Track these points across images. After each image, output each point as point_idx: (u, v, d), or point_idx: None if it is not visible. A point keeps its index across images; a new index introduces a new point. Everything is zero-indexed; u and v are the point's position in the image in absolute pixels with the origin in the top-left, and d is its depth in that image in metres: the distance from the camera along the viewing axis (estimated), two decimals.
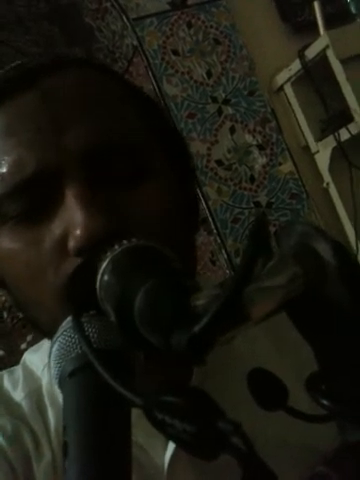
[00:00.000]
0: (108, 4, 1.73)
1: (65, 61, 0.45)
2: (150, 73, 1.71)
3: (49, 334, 0.42)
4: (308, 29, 1.79)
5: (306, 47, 1.71)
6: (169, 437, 0.27)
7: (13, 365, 0.52)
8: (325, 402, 0.27)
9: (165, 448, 0.43)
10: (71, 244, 0.38)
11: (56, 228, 0.39)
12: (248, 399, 0.30)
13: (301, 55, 1.71)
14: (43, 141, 0.39)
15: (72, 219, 0.38)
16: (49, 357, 0.34)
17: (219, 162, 1.74)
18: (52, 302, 0.39)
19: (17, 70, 0.43)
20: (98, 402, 0.31)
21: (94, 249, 0.36)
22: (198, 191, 1.71)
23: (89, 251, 0.36)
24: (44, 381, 0.48)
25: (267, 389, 0.30)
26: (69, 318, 0.34)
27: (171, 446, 0.43)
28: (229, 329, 0.24)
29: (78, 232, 0.37)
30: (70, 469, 0.29)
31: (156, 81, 1.70)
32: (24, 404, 0.46)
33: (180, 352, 0.24)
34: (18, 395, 0.47)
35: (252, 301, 0.23)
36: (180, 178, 0.45)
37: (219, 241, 1.71)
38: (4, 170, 0.40)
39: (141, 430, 0.32)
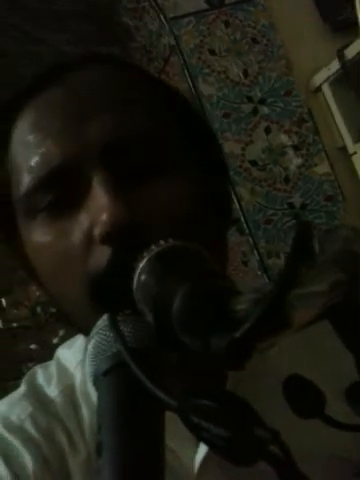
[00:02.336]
0: (146, 4, 1.73)
1: (90, 57, 0.47)
2: (186, 72, 1.70)
3: (81, 329, 0.43)
4: (348, 28, 1.75)
5: (346, 47, 1.67)
6: (204, 441, 0.27)
7: (45, 359, 0.53)
8: None
9: (195, 451, 0.43)
10: (97, 231, 0.38)
11: (84, 219, 0.40)
12: (279, 407, 0.30)
13: (340, 55, 1.68)
14: (68, 134, 0.40)
15: (98, 207, 0.38)
16: (84, 355, 0.34)
17: (253, 162, 1.72)
18: (81, 294, 0.40)
19: (45, 68, 0.45)
20: (132, 402, 0.31)
21: (120, 238, 0.36)
22: (231, 191, 1.70)
23: (115, 239, 0.37)
24: (77, 378, 0.48)
25: (303, 396, 0.30)
26: (105, 316, 0.34)
27: (202, 450, 0.43)
28: (270, 335, 0.23)
29: (104, 217, 0.37)
30: (104, 469, 0.29)
31: (192, 80, 1.70)
32: (58, 401, 0.47)
33: (218, 356, 0.24)
34: (52, 391, 0.48)
35: (294, 307, 0.23)
36: (208, 174, 0.45)
37: (251, 242, 1.70)
38: (33, 163, 0.41)
39: (172, 433, 0.32)
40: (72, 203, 0.40)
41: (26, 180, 0.41)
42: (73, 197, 0.40)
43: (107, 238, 0.38)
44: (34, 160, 0.41)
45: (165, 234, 0.34)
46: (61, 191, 0.40)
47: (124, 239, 0.37)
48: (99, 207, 0.38)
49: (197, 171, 0.44)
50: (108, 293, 0.37)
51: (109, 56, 0.50)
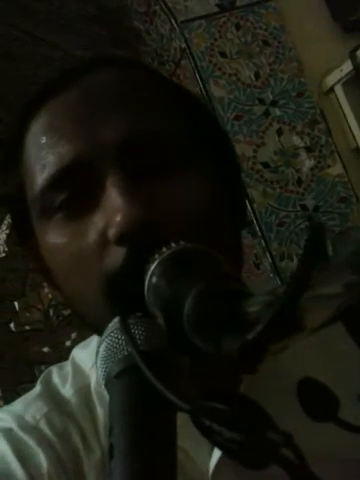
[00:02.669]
0: (157, 7, 1.74)
1: (102, 60, 0.47)
2: (197, 75, 1.71)
3: (96, 329, 0.43)
4: None
5: (358, 47, 1.66)
6: (216, 445, 0.26)
7: (57, 361, 0.53)
8: None
9: (210, 454, 0.43)
10: (112, 231, 0.38)
11: (99, 220, 0.40)
12: (293, 410, 0.30)
13: (352, 56, 1.67)
14: (82, 134, 0.41)
15: (113, 207, 0.38)
16: (96, 357, 0.34)
17: (265, 164, 1.72)
18: (96, 295, 0.40)
19: (58, 72, 0.46)
20: (144, 404, 0.31)
21: (135, 238, 0.36)
22: (245, 192, 1.69)
23: (130, 240, 0.37)
24: (92, 379, 0.48)
25: (317, 399, 0.30)
26: (116, 319, 0.34)
27: (217, 452, 0.42)
28: (283, 338, 0.23)
29: (118, 218, 0.38)
30: (115, 470, 0.29)
31: (203, 83, 1.70)
32: (73, 401, 0.47)
33: (230, 359, 0.24)
34: (67, 391, 0.48)
35: (307, 310, 0.23)
36: (222, 174, 0.45)
37: (264, 244, 1.69)
38: (47, 162, 0.42)
39: (186, 435, 0.32)
40: (87, 203, 0.40)
41: (40, 179, 0.42)
42: (87, 197, 0.40)
43: (122, 239, 0.38)
44: (48, 159, 0.42)
45: (178, 234, 0.34)
46: (75, 190, 0.41)
47: (139, 240, 0.37)
48: (114, 208, 0.38)
49: (210, 171, 0.44)
50: (123, 294, 0.37)
51: (120, 57, 0.51)
